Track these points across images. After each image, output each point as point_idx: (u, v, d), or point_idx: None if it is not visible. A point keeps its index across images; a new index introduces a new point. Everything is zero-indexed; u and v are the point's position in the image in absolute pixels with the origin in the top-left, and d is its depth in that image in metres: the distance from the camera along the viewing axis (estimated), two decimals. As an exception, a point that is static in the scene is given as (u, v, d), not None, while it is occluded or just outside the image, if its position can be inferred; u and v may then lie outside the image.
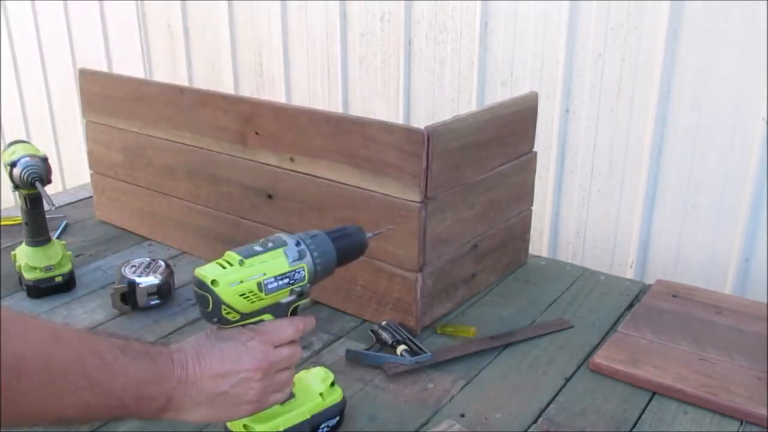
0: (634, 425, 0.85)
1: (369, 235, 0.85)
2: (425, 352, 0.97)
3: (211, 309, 0.73)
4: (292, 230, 1.11)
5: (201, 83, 2.14)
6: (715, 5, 1.29)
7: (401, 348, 0.97)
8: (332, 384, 0.84)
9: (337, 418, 0.84)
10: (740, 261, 1.37)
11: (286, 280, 0.75)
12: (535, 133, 1.21)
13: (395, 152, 0.98)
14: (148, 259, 1.17)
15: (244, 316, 0.74)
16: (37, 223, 1.17)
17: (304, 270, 0.77)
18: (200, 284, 0.73)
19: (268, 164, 1.15)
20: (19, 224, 1.22)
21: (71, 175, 2.62)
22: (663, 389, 0.91)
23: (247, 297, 0.73)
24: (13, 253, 1.22)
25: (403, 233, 1.01)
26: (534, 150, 1.23)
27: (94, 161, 1.47)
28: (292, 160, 1.11)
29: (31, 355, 0.58)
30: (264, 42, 1.98)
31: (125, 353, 0.65)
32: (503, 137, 1.13)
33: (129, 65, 2.33)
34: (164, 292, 1.13)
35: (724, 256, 1.39)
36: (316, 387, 0.83)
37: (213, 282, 0.72)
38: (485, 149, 1.09)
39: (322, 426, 0.82)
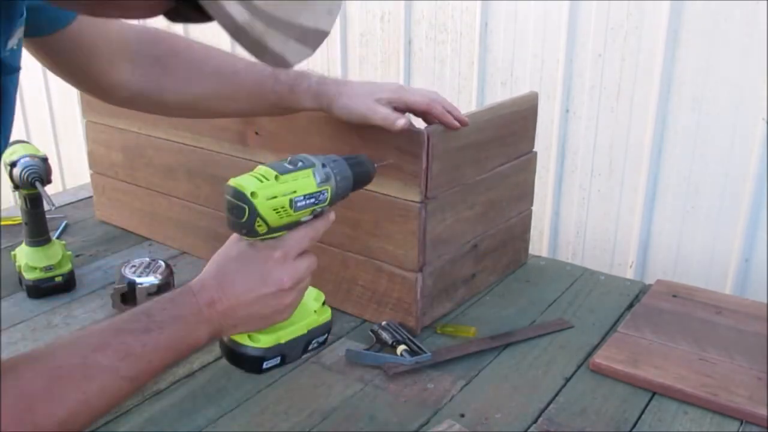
0: (634, 425, 0.85)
1: (376, 165, 0.87)
2: (425, 352, 0.97)
3: (246, 220, 0.73)
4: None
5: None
6: (715, 5, 1.29)
7: (401, 348, 0.97)
8: (323, 303, 0.84)
9: (326, 336, 0.84)
10: (740, 261, 1.37)
11: (312, 200, 0.77)
12: (535, 133, 1.21)
13: (395, 152, 0.98)
14: (148, 259, 1.17)
15: (270, 230, 0.75)
16: (37, 223, 1.17)
17: (327, 192, 0.78)
18: (238, 195, 0.73)
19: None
20: (19, 224, 1.22)
21: (71, 175, 2.62)
22: (663, 389, 0.91)
23: (279, 212, 0.74)
24: (13, 253, 1.22)
25: (403, 233, 1.01)
26: (534, 150, 1.23)
27: (94, 161, 1.47)
28: (292, 160, 1.11)
29: (72, 412, 0.60)
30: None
31: (150, 333, 0.67)
32: (503, 137, 1.13)
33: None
34: (164, 292, 1.13)
35: (724, 256, 1.39)
36: (310, 305, 0.83)
37: (253, 194, 0.73)
38: (485, 149, 1.09)
39: (314, 341, 0.82)
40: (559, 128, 1.53)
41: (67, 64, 0.87)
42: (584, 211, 1.56)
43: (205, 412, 0.88)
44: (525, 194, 1.24)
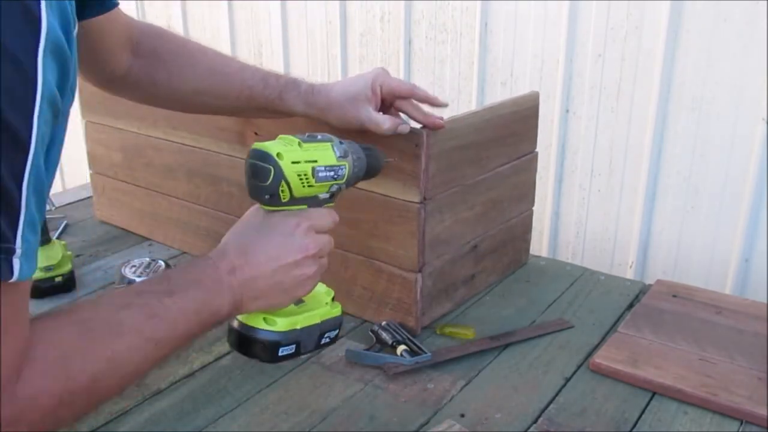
0: (634, 425, 0.85)
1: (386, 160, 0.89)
2: (425, 352, 0.97)
3: (270, 183, 0.73)
4: (292, 230, 1.11)
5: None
6: (715, 5, 1.29)
7: (401, 348, 0.97)
8: (333, 298, 0.84)
9: (337, 331, 0.83)
10: (740, 261, 1.37)
11: (332, 173, 0.77)
12: (537, 133, 1.21)
13: (395, 153, 0.98)
14: (148, 259, 1.17)
15: (291, 201, 0.75)
16: (37, 223, 1.17)
17: (345, 168, 0.79)
18: (263, 156, 0.73)
19: (268, 164, 1.15)
20: (19, 224, 1.22)
21: (71, 175, 2.62)
22: (663, 389, 0.91)
23: (302, 179, 0.74)
24: (13, 253, 1.22)
25: (403, 234, 1.01)
26: (535, 150, 1.23)
27: (93, 161, 1.47)
28: (292, 160, 1.11)
29: (101, 368, 0.60)
30: (264, 42, 1.98)
31: (173, 295, 0.67)
32: (504, 137, 1.13)
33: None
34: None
35: (724, 256, 1.39)
36: (323, 297, 0.83)
37: (278, 155, 0.73)
38: (485, 149, 1.09)
39: (327, 334, 0.81)
40: (559, 128, 1.53)
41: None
42: (584, 211, 1.56)
43: (205, 412, 0.88)
44: (526, 194, 1.24)
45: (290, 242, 0.75)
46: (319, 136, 0.78)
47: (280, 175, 0.73)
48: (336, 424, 0.85)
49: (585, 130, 1.51)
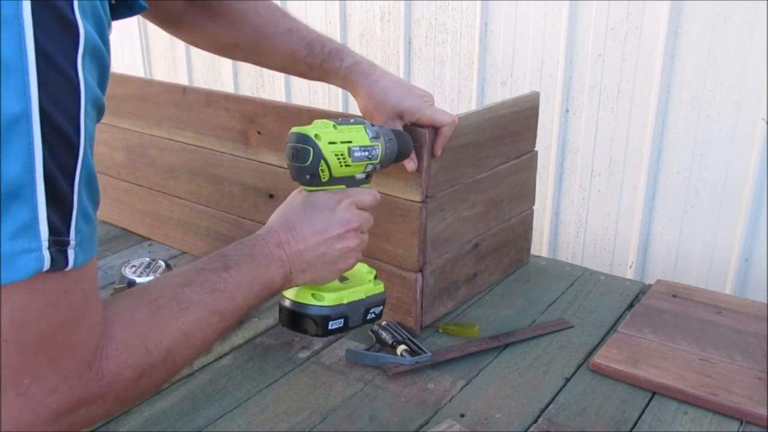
0: (634, 425, 0.85)
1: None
2: (425, 352, 0.97)
3: (310, 163, 0.77)
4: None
5: (201, 83, 2.14)
6: (715, 5, 1.29)
7: (401, 348, 0.97)
8: (375, 276, 0.88)
9: (381, 307, 0.88)
10: (740, 261, 1.37)
11: (366, 153, 0.81)
12: (536, 133, 1.21)
13: (395, 152, 0.98)
14: (148, 259, 1.17)
15: (330, 180, 0.79)
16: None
17: (378, 148, 0.83)
18: (302, 138, 0.77)
19: (269, 164, 1.15)
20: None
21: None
22: (663, 389, 0.91)
23: (339, 159, 0.79)
24: (13, 252, 1.22)
25: (404, 233, 1.01)
26: (535, 149, 1.23)
27: (96, 160, 1.47)
28: (292, 160, 1.11)
29: (174, 340, 0.64)
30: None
31: (229, 270, 0.71)
32: (504, 136, 1.13)
33: (129, 65, 2.33)
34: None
35: (724, 256, 1.39)
36: (365, 276, 0.87)
37: (317, 136, 0.77)
38: (485, 148, 1.09)
39: (372, 310, 0.86)
40: (559, 128, 1.53)
41: None
42: (584, 211, 1.56)
43: (205, 412, 0.88)
44: (526, 194, 1.24)
45: (333, 217, 0.79)
46: (352, 120, 0.83)
47: (319, 154, 0.77)
48: (336, 424, 0.85)
49: (585, 130, 1.51)
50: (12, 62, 0.47)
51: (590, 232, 1.57)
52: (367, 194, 0.84)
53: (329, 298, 0.81)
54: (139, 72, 2.29)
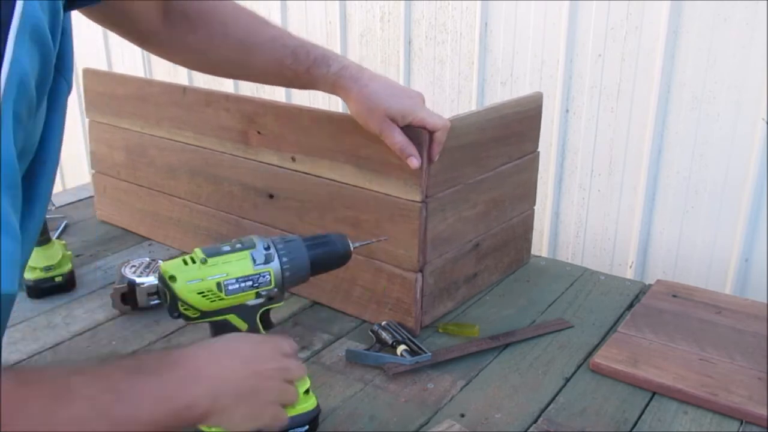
0: (634, 425, 0.85)
1: (355, 245, 0.86)
2: (425, 352, 0.97)
3: (169, 304, 0.75)
4: (292, 230, 1.12)
5: (201, 83, 2.14)
6: (715, 5, 1.29)
7: (401, 348, 0.97)
8: (307, 391, 0.80)
9: (306, 427, 0.80)
10: (740, 261, 1.37)
11: (249, 283, 0.76)
12: (539, 134, 1.21)
13: (396, 152, 0.98)
14: (148, 259, 1.17)
15: (205, 314, 0.76)
16: (37, 222, 1.17)
17: (269, 274, 0.77)
18: (161, 278, 0.75)
19: (269, 164, 1.15)
20: (20, 224, 1.22)
21: (72, 175, 2.62)
22: (663, 389, 0.91)
23: (206, 296, 0.74)
24: (13, 252, 1.22)
25: (404, 233, 1.01)
26: (537, 150, 1.23)
27: (96, 161, 1.47)
28: (293, 159, 1.11)
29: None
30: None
31: (141, 373, 0.59)
32: (506, 137, 1.13)
33: (129, 66, 2.33)
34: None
35: (724, 256, 1.39)
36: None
37: (171, 278, 0.74)
38: (486, 149, 1.09)
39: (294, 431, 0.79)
40: (559, 128, 1.53)
41: (108, 10, 0.86)
42: (584, 211, 1.56)
43: (205, 411, 0.87)
44: (527, 194, 1.24)
45: (260, 351, 0.72)
46: (240, 245, 0.77)
47: (175, 297, 0.74)
48: (336, 424, 0.85)
49: (585, 130, 1.51)
50: None
51: (590, 232, 1.56)
52: (286, 343, 0.75)
53: None
54: (139, 72, 2.28)
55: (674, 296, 1.13)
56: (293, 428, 0.79)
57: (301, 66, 0.95)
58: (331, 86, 0.96)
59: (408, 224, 1.00)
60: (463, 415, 0.87)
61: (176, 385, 0.60)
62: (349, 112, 0.99)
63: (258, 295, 0.78)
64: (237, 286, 0.76)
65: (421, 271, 1.02)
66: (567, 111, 1.52)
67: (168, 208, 1.35)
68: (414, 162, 0.93)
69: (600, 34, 1.43)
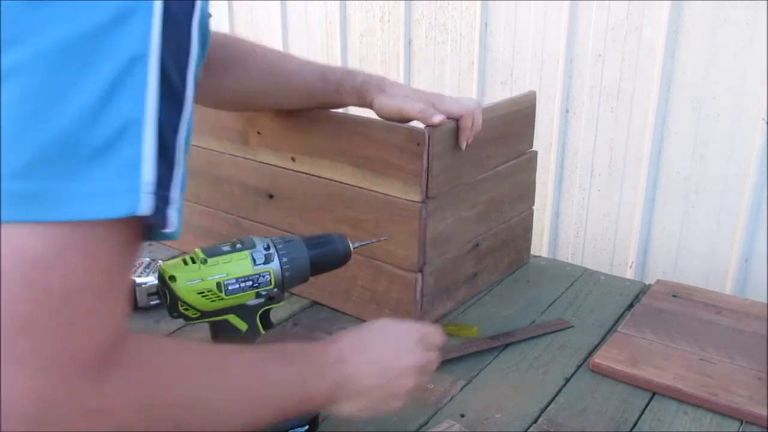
0: (634, 425, 0.85)
1: (355, 245, 0.86)
2: (425, 352, 0.97)
3: (169, 304, 0.75)
4: (292, 230, 1.12)
5: (201, 83, 2.14)
6: (715, 5, 1.29)
7: (401, 348, 0.97)
8: None
9: (306, 427, 0.81)
10: (740, 261, 1.37)
11: (249, 283, 0.76)
12: (534, 133, 1.21)
13: (396, 152, 0.98)
14: (148, 259, 1.17)
15: (205, 314, 0.75)
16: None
17: (269, 274, 0.77)
18: (161, 278, 0.75)
19: (269, 164, 1.15)
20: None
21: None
22: (663, 389, 0.91)
23: (206, 296, 0.74)
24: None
25: (404, 233, 1.01)
26: (534, 149, 1.23)
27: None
28: (293, 159, 1.11)
29: (198, 399, 0.57)
30: (264, 42, 1.98)
31: (280, 362, 0.65)
32: (503, 137, 1.13)
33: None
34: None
35: (724, 256, 1.39)
36: None
37: (171, 278, 0.73)
38: (485, 148, 1.09)
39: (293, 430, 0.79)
40: (559, 128, 1.53)
41: None
42: (584, 211, 1.56)
43: (205, 411, 0.87)
44: (526, 194, 1.24)
45: (404, 352, 0.74)
46: (240, 244, 0.77)
47: (175, 297, 0.74)
48: (336, 424, 0.85)
49: (585, 130, 1.51)
50: (141, 6, 0.47)
51: (590, 232, 1.57)
52: (437, 335, 0.78)
53: None
54: (138, 72, 2.29)
55: (674, 296, 1.13)
56: (293, 428, 0.79)
57: (330, 85, 1.00)
58: (357, 94, 0.99)
59: (408, 224, 1.00)
60: (463, 415, 0.87)
61: (305, 377, 0.66)
62: (351, 115, 1.00)
63: (258, 295, 0.77)
64: (237, 286, 0.75)
65: (420, 271, 1.02)
66: (567, 111, 1.52)
67: (168, 208, 1.35)
68: (436, 119, 0.94)
69: (600, 34, 1.44)
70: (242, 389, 0.61)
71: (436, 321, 1.08)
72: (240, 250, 0.77)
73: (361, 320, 1.09)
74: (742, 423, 0.86)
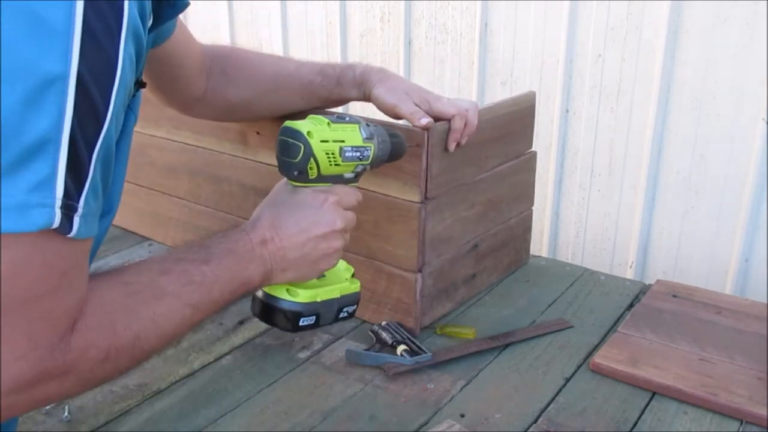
0: (634, 425, 0.85)
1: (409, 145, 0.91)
2: (425, 352, 0.97)
3: (299, 160, 0.76)
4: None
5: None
6: (715, 5, 1.29)
7: (401, 348, 0.97)
8: (353, 275, 0.87)
9: (355, 306, 0.86)
10: (740, 261, 1.37)
11: (357, 154, 0.80)
12: (533, 133, 1.21)
13: (395, 152, 0.98)
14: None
15: (318, 178, 0.78)
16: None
17: (371, 149, 0.82)
18: (294, 133, 0.76)
19: (269, 164, 1.15)
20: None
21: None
22: (663, 389, 0.91)
23: (329, 157, 0.78)
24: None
25: (403, 234, 1.01)
26: (533, 149, 1.23)
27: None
28: (292, 160, 1.11)
29: (144, 327, 0.64)
30: (264, 42, 1.98)
31: (209, 263, 0.71)
32: (502, 137, 1.13)
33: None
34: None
35: (724, 256, 1.39)
36: (342, 273, 0.86)
37: (309, 133, 0.76)
38: (484, 149, 1.09)
39: (345, 309, 0.85)
40: (559, 128, 1.53)
41: (158, 78, 0.94)
42: (584, 211, 1.56)
43: (205, 412, 0.88)
44: (525, 194, 1.24)
45: (319, 216, 0.79)
46: (347, 118, 0.81)
47: (309, 152, 0.76)
48: (336, 424, 0.85)
49: (585, 130, 1.51)
50: (60, 28, 0.50)
51: (590, 232, 1.57)
52: (351, 194, 0.83)
53: (303, 295, 0.79)
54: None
55: (674, 296, 1.13)
56: (345, 307, 0.84)
57: (331, 81, 1.01)
58: (358, 85, 1.01)
59: (407, 225, 1.00)
60: (463, 415, 0.87)
61: (234, 268, 0.73)
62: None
63: (354, 169, 0.82)
64: (351, 154, 0.79)
65: (420, 271, 1.02)
66: (567, 111, 1.52)
67: (168, 208, 1.35)
68: (423, 122, 0.95)
69: (600, 34, 1.44)
70: (183, 303, 0.68)
71: (436, 321, 1.08)
72: (350, 122, 0.81)
73: (360, 320, 1.09)
74: (742, 423, 0.86)
